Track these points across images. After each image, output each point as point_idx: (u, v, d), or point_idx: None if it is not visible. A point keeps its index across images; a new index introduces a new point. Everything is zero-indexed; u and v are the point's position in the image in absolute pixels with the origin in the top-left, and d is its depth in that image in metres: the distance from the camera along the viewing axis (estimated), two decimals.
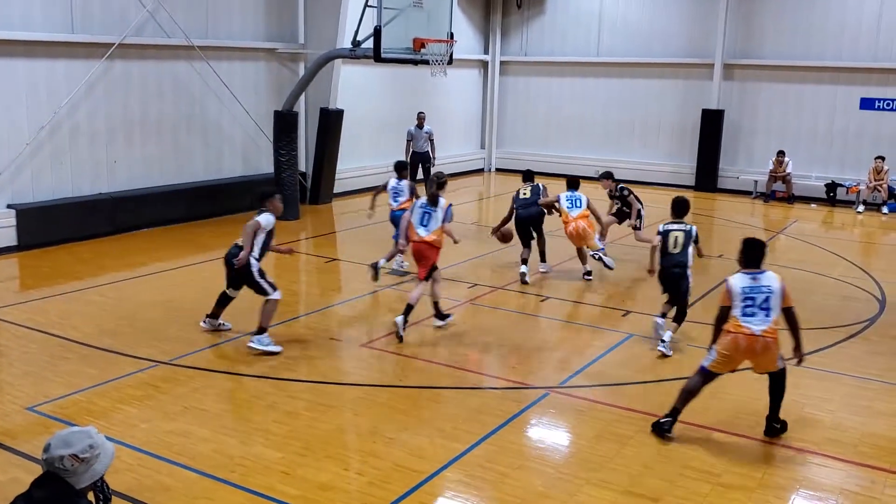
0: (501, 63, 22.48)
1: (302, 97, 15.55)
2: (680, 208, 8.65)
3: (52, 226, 12.10)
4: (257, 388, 7.10)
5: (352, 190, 17.76)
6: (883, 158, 17.44)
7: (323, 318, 9.34)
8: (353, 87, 17.24)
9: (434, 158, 16.68)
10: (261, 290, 8.01)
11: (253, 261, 8.01)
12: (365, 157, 18.43)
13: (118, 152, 13.29)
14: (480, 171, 22.71)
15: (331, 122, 16.09)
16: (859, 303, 10.37)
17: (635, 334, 8.79)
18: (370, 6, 12.78)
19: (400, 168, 11.58)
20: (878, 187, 17.45)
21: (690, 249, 8.34)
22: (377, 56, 12.67)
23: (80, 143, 12.72)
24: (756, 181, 19.18)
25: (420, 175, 16.59)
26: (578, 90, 21.56)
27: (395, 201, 11.34)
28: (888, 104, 17.98)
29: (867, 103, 18.21)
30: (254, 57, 15.45)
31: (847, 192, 18.00)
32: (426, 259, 8.69)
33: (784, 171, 18.43)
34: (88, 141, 12.83)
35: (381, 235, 13.85)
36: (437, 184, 9.13)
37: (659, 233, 8.50)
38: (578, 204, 11.11)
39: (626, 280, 11.29)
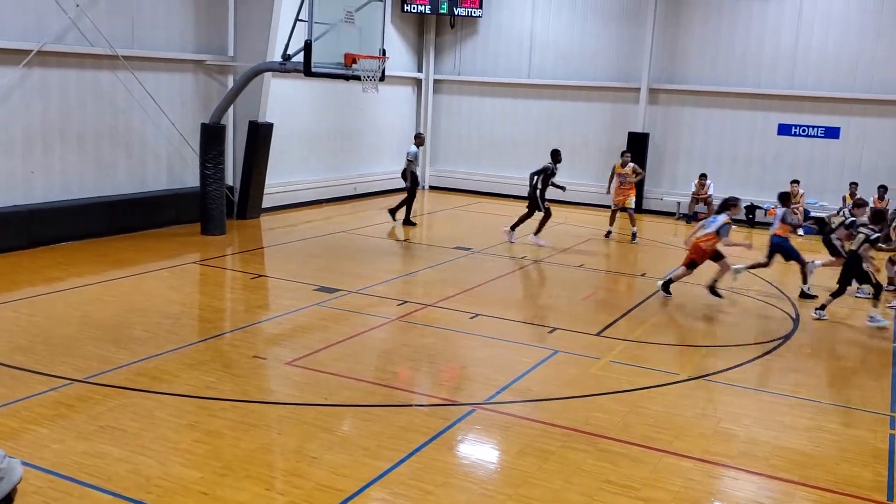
0: (435, 81, 22.65)
1: (230, 110, 15.35)
2: (878, 217, 10.87)
3: None
4: (177, 407, 6.93)
5: (281, 205, 17.58)
6: (798, 182, 18.15)
7: (248, 335, 9.17)
8: (283, 100, 17.11)
9: None
10: None
11: None
12: (295, 171, 18.29)
13: (35, 163, 12.85)
14: None
15: (260, 135, 15.92)
16: (775, 321, 10.73)
17: (560, 350, 8.90)
18: (301, 20, 12.71)
19: (784, 198, 12.45)
20: (795, 210, 18.12)
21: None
22: (307, 70, 12.59)
23: None
24: (679, 202, 19.75)
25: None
26: (510, 110, 21.86)
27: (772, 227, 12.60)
28: (804, 130, 18.78)
29: (784, 129, 18.99)
30: (181, 68, 15.19)
31: (765, 214, 18.66)
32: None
33: (706, 193, 19.03)
34: (3, 151, 12.36)
35: (309, 252, 13.75)
36: (724, 203, 11.67)
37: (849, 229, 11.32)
38: None
39: (552, 297, 11.44)
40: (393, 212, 16.94)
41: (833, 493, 5.94)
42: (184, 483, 5.60)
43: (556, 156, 15.12)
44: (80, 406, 6.83)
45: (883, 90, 17.89)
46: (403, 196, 16.81)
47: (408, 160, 16.44)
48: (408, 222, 16.70)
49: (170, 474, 5.71)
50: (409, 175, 16.38)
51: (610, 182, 16.78)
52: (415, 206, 19.10)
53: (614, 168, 16.49)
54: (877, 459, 6.54)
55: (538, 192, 14.92)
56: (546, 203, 15.04)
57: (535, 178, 14.95)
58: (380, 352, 8.88)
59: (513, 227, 15.23)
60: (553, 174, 15.05)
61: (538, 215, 15.12)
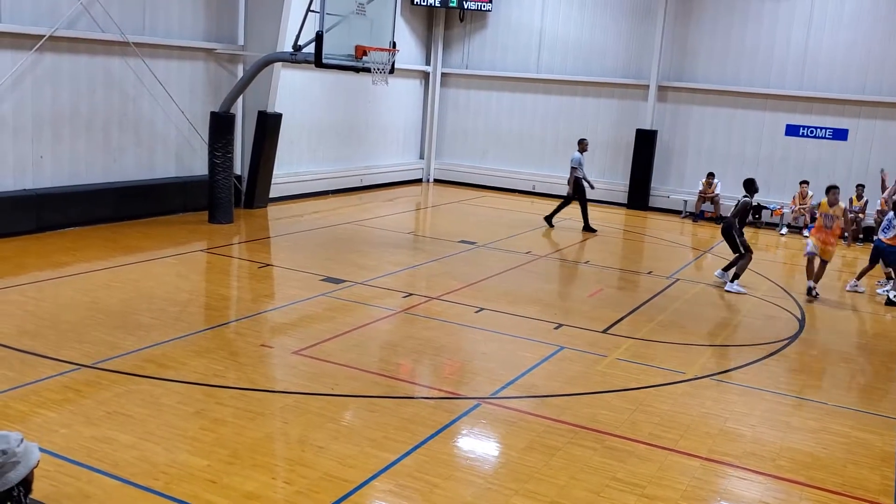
0: (442, 75, 22.60)
1: (240, 99, 15.34)
2: None
3: None
4: (184, 395, 6.94)
5: (288, 195, 17.59)
6: (807, 183, 18.12)
7: (254, 324, 9.19)
8: (292, 91, 17.10)
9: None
10: None
11: None
12: (302, 162, 18.30)
13: (45, 148, 12.86)
14: (419, 181, 22.75)
15: (269, 125, 15.91)
16: (780, 321, 10.72)
17: (566, 347, 8.91)
18: (313, 11, 12.70)
19: None
20: (802, 211, 18.11)
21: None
22: (318, 61, 12.58)
23: (4, 136, 12.26)
24: (686, 201, 19.72)
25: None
26: (517, 105, 21.83)
27: (884, 234, 12.13)
28: (812, 131, 18.72)
29: (792, 130, 18.94)
30: (191, 56, 15.17)
31: (771, 215, 18.63)
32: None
33: (713, 192, 19.00)
34: (13, 135, 12.37)
35: (315, 242, 13.77)
36: None
37: None
38: None
39: (558, 293, 11.44)
40: (548, 219, 16.68)
41: (840, 495, 5.94)
42: (191, 470, 5.62)
43: (750, 186, 12.28)
44: (87, 391, 6.85)
45: (893, 93, 17.82)
46: (559, 202, 16.81)
47: (572, 167, 16.23)
48: (588, 229, 16.35)
49: (177, 461, 5.73)
50: (575, 182, 16.15)
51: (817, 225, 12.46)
52: (419, 199, 19.09)
53: (820, 206, 12.31)
54: (884, 462, 6.54)
55: (737, 231, 12.23)
56: (745, 243, 12.34)
57: (734, 219, 12.30)
58: (385, 343, 8.89)
59: (732, 277, 12.31)
60: (751, 208, 12.68)
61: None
